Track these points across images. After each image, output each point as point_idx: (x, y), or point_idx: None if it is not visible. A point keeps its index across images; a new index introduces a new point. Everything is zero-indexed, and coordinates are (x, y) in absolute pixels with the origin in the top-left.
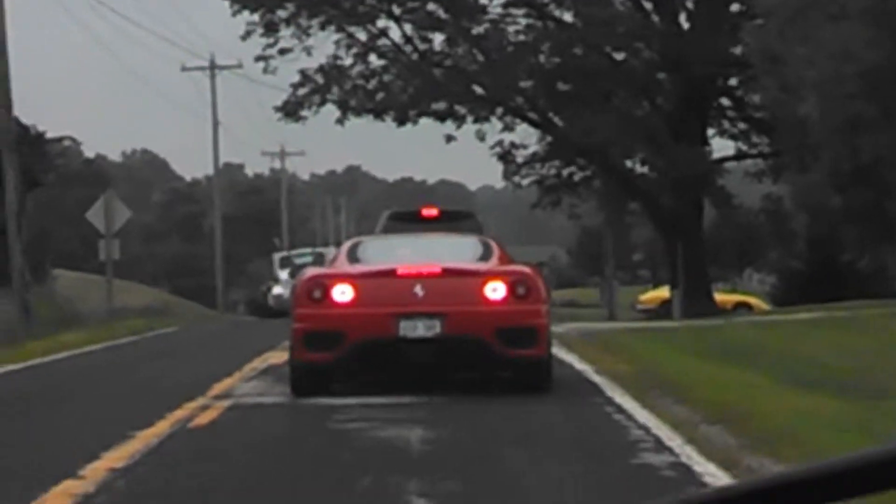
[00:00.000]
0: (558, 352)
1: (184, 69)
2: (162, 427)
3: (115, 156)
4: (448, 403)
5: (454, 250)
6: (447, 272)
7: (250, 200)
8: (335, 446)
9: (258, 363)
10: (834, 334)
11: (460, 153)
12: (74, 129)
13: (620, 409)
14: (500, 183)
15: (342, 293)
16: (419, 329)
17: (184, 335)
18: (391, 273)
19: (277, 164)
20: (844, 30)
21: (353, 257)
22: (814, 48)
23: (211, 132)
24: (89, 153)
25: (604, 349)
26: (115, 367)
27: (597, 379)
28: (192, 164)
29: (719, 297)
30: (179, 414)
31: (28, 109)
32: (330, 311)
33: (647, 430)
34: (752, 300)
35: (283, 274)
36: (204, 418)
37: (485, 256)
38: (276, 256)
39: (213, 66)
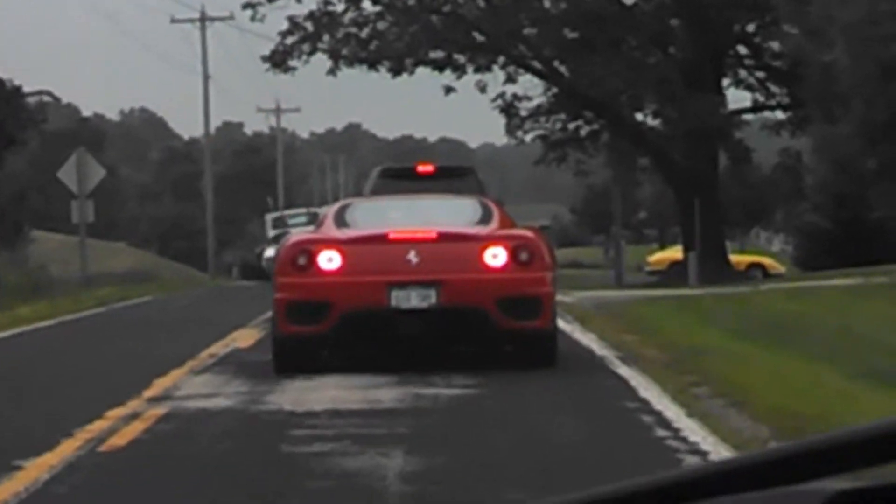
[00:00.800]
0: (572, 330)
1: (173, 21)
2: (66, 449)
3: (112, 114)
4: (437, 409)
5: (451, 213)
6: (443, 237)
7: (248, 159)
8: (283, 490)
9: (220, 347)
10: (883, 306)
11: (461, 110)
12: (72, 89)
13: (662, 420)
14: (501, 140)
15: (329, 260)
16: (413, 299)
17: (154, 307)
18: (382, 238)
19: (275, 122)
20: None
21: (341, 221)
22: None
23: (203, 87)
24: (87, 112)
25: (624, 325)
26: (55, 351)
27: (623, 371)
28: (190, 123)
29: (731, 257)
30: (97, 427)
31: (21, 69)
32: (316, 279)
33: (703, 455)
34: (766, 261)
35: (275, 235)
36: (124, 435)
37: (484, 219)
38: (269, 217)
39: (203, 18)
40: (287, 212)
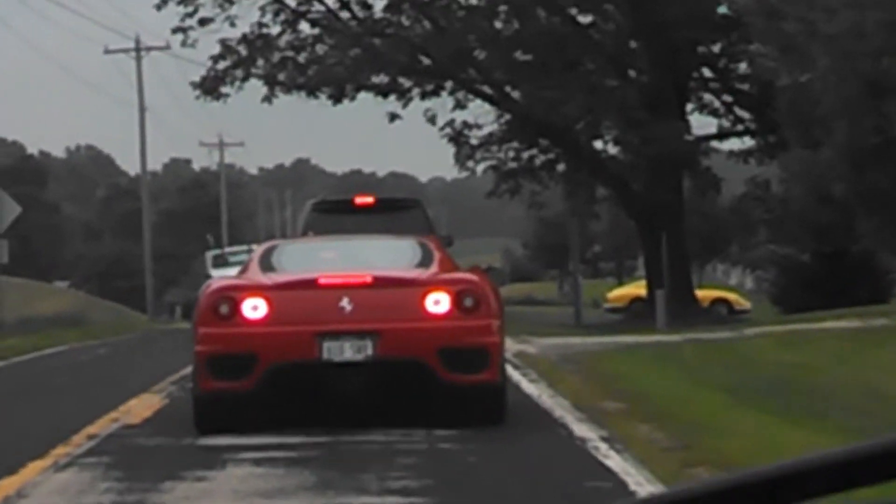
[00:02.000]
0: (540, 393)
1: (107, 52)
2: None
3: (59, 152)
4: None
5: (387, 254)
6: (380, 281)
7: (195, 195)
8: None
9: (107, 422)
10: None
11: (411, 144)
12: (18, 127)
13: None
14: (451, 174)
15: (254, 308)
16: (346, 351)
17: (62, 360)
18: (312, 283)
19: (225, 157)
20: None
21: (267, 265)
22: None
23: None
24: (32, 149)
25: (603, 387)
26: None
27: (614, 463)
28: (137, 160)
29: (698, 293)
30: None
31: None
32: (239, 330)
33: None
34: (731, 296)
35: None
36: None
37: (424, 262)
38: (209, 255)
39: (138, 48)
40: (229, 249)
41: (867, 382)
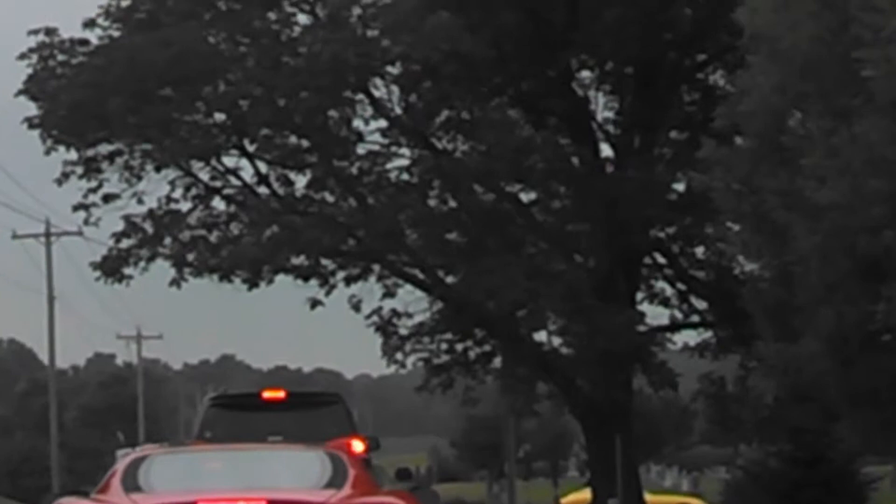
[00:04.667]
0: None
1: (15, 237)
2: None
3: None
4: None
5: (289, 470)
6: None
7: (116, 390)
8: None
9: None
10: None
11: (338, 340)
12: None
13: None
14: (377, 370)
15: None
16: None
17: None
18: None
19: (146, 352)
20: (869, 130)
21: (131, 483)
22: (822, 161)
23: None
24: None
25: None
26: None
27: None
28: (60, 354)
29: (651, 499)
30: None
31: None
32: None
33: None
34: (695, 501)
35: None
36: None
37: (335, 480)
38: (120, 453)
39: (48, 234)
40: (142, 448)
41: None
